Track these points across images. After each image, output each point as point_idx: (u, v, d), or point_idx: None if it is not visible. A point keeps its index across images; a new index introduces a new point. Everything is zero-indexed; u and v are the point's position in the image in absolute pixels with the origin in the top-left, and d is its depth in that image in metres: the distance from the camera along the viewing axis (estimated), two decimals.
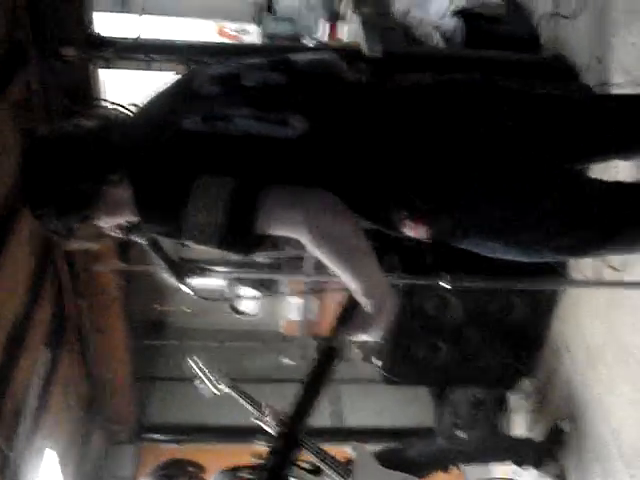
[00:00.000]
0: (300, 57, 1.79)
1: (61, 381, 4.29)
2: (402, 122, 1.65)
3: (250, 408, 3.50)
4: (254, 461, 3.40)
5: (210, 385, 3.61)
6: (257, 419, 3.47)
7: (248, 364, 5.75)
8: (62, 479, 4.39)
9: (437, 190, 1.61)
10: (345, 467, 3.37)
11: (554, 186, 1.67)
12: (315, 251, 1.48)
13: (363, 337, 1.57)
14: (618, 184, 1.83)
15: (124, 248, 4.66)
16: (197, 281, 2.43)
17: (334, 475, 3.31)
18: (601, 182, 1.77)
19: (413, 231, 1.64)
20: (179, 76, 1.85)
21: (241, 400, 3.54)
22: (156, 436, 5.79)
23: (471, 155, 1.62)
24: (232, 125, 1.59)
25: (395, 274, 2.91)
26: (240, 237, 1.51)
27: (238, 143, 1.59)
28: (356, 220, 1.56)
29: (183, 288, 2.26)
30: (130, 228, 1.81)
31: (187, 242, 1.57)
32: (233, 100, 1.66)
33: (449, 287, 2.45)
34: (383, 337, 1.61)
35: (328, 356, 1.56)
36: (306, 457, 3.34)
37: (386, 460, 3.54)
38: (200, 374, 3.62)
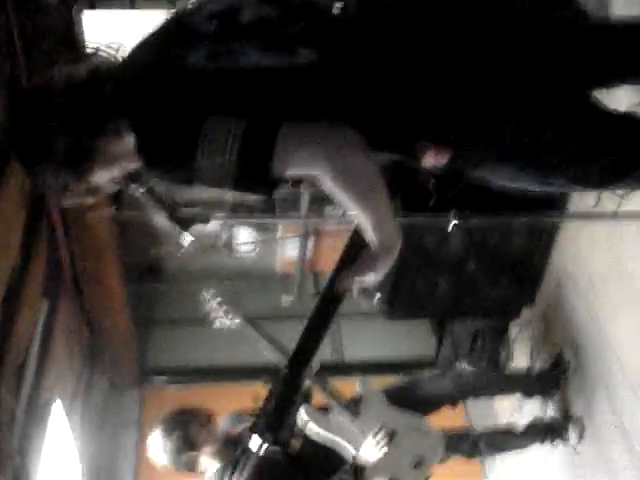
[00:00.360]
0: None
1: (62, 331, 4.27)
2: (414, 49, 1.57)
3: (265, 342, 3.49)
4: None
5: (224, 317, 3.58)
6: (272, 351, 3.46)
7: (246, 303, 5.72)
8: (69, 428, 4.43)
9: (459, 116, 1.57)
10: (353, 405, 3.39)
11: (575, 112, 1.64)
12: (334, 187, 1.45)
13: (366, 278, 1.55)
14: (630, 116, 1.78)
15: (116, 194, 4.60)
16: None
17: (344, 413, 3.32)
18: (615, 112, 1.72)
19: (434, 158, 1.60)
20: (165, 16, 1.75)
21: (256, 333, 3.53)
22: (159, 379, 5.81)
23: (492, 78, 1.57)
24: (240, 59, 1.52)
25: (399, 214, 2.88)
26: (256, 178, 1.46)
27: (248, 77, 1.52)
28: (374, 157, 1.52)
29: (186, 236, 2.21)
30: (127, 180, 1.75)
31: (199, 185, 1.51)
32: (235, 36, 1.58)
33: (456, 223, 2.41)
34: (383, 276, 1.59)
35: (331, 298, 1.56)
36: (317, 397, 3.34)
37: (395, 398, 3.55)
38: (213, 306, 3.59)
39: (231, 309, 3.60)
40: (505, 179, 1.72)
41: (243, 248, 5.41)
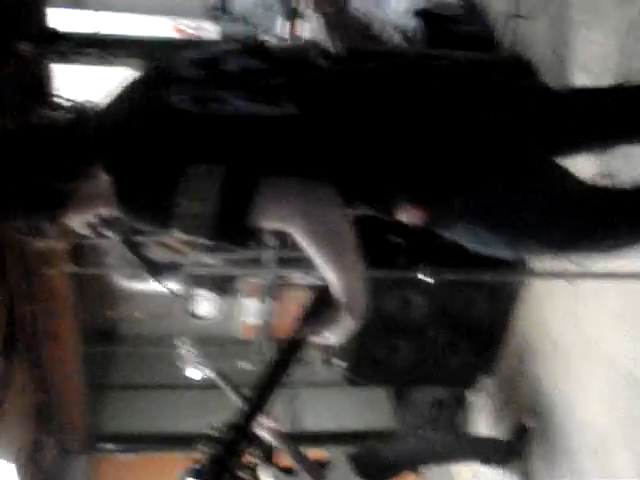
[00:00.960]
0: (275, 45, 1.75)
1: (14, 389, 4.15)
2: (393, 106, 1.61)
3: (232, 396, 3.45)
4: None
5: (194, 367, 3.55)
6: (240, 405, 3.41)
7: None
8: None
9: (434, 177, 1.59)
10: (319, 469, 3.35)
11: (550, 177, 1.67)
12: (307, 245, 1.44)
13: (327, 337, 1.54)
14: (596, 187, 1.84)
15: (76, 252, 4.56)
16: (150, 286, 2.36)
17: (306, 477, 3.27)
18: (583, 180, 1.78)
19: (409, 216, 1.61)
20: (136, 72, 1.76)
21: (224, 387, 3.49)
22: (109, 446, 5.65)
23: (464, 144, 1.60)
24: (225, 106, 1.53)
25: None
26: (233, 229, 1.45)
27: (231, 124, 1.52)
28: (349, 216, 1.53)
29: (160, 285, 2.18)
30: (101, 225, 1.73)
31: (175, 233, 1.49)
32: (219, 83, 1.59)
33: (429, 280, 2.43)
34: (345, 339, 1.58)
35: (288, 350, 1.53)
36: (282, 459, 3.30)
37: (357, 464, 3.52)
38: (185, 355, 3.55)
39: (202, 358, 3.56)
40: (476, 243, 1.74)
41: (204, 313, 5.35)
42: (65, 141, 1.53)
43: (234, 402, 3.47)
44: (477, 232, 1.69)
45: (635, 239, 1.77)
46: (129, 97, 1.64)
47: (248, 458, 3.35)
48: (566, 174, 1.74)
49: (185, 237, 1.52)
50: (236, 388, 3.49)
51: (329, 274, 1.47)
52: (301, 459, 3.31)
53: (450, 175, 1.60)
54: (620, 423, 3.31)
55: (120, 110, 1.62)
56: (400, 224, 1.70)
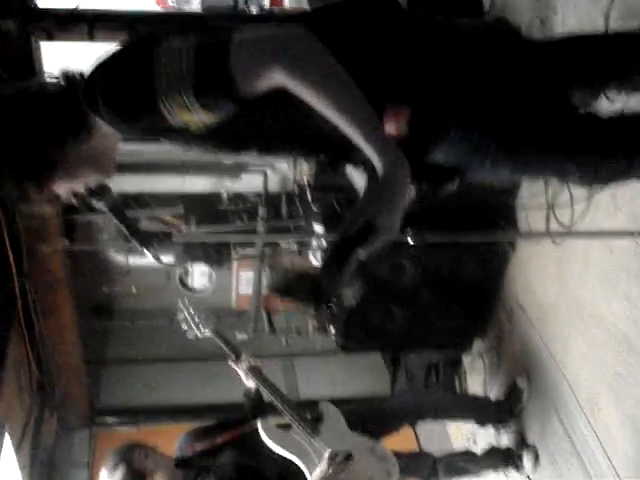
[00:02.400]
0: None
1: (12, 365, 4.19)
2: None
3: (230, 355, 3.51)
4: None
5: (195, 328, 3.63)
6: (233, 362, 3.47)
7: (201, 342, 5.70)
8: (17, 465, 4.31)
9: (423, 81, 1.61)
10: (313, 424, 3.40)
11: (546, 108, 1.71)
12: (301, 87, 1.34)
13: (380, 210, 1.34)
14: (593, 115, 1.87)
15: (71, 228, 4.59)
16: (146, 261, 2.36)
17: (302, 432, 3.33)
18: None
19: (395, 121, 1.57)
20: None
21: (222, 345, 3.55)
22: (110, 419, 5.72)
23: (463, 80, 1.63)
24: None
25: None
26: (216, 78, 1.38)
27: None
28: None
29: (147, 255, 2.20)
30: (91, 194, 1.75)
31: (165, 106, 1.41)
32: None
33: (413, 243, 2.45)
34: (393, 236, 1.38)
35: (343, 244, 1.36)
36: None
37: (354, 418, 3.57)
38: (187, 317, 3.64)
39: (203, 321, 3.64)
40: (473, 157, 1.73)
41: (198, 285, 5.40)
42: (55, 106, 1.53)
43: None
44: (470, 139, 1.68)
45: (631, 167, 1.80)
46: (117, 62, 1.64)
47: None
48: (565, 107, 1.78)
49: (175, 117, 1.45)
50: (236, 348, 3.55)
51: (338, 114, 1.35)
52: (295, 414, 3.37)
53: (441, 74, 1.62)
54: (609, 381, 3.36)
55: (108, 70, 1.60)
56: None
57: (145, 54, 1.42)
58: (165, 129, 1.49)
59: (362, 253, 1.35)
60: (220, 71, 1.37)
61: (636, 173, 1.84)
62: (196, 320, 3.66)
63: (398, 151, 1.34)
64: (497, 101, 1.66)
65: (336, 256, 1.33)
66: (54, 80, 1.64)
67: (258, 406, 3.50)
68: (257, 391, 3.49)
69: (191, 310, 3.68)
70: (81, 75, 1.60)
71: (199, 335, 3.68)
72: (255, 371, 3.46)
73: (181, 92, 1.39)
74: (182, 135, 1.56)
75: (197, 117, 1.44)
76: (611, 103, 2.15)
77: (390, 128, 1.56)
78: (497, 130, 1.68)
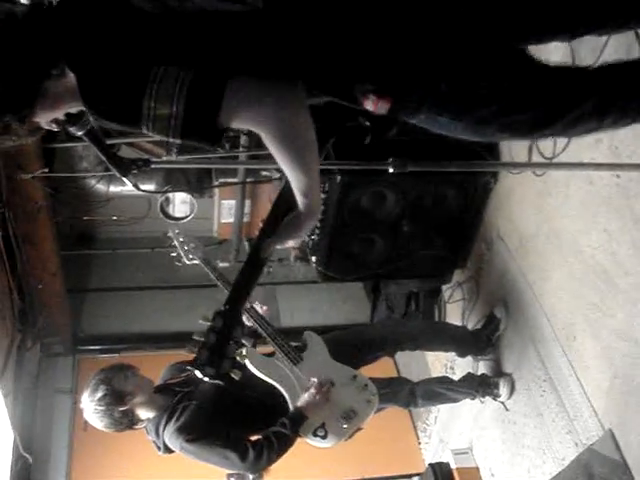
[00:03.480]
0: None
1: None
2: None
3: (218, 283, 3.54)
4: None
5: (184, 255, 3.69)
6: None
7: (181, 269, 5.72)
8: (0, 392, 4.35)
9: (397, 63, 1.61)
10: (296, 352, 3.46)
11: (509, 64, 1.70)
12: (275, 144, 1.49)
13: (288, 243, 1.61)
14: (562, 67, 1.86)
15: (49, 157, 4.53)
16: (127, 189, 2.34)
17: (284, 359, 3.39)
18: (547, 64, 1.79)
19: (374, 105, 1.64)
20: None
21: (210, 274, 3.59)
22: (93, 347, 5.76)
23: (426, 28, 1.61)
24: (186, 3, 1.52)
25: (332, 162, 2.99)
26: (203, 129, 1.47)
27: (194, 21, 1.51)
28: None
29: (125, 182, 2.18)
30: (68, 121, 1.73)
31: (147, 133, 1.50)
32: None
33: (392, 170, 2.44)
34: (304, 239, 1.69)
35: (255, 264, 1.59)
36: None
37: (336, 346, 3.63)
38: (177, 244, 3.69)
39: (192, 249, 3.69)
40: (441, 128, 1.76)
41: (179, 213, 5.37)
42: (31, 39, 1.49)
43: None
44: (440, 120, 1.72)
45: (600, 121, 1.81)
46: None
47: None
48: (531, 61, 1.76)
49: (155, 136, 1.53)
50: (223, 277, 3.57)
51: (294, 173, 1.53)
52: (279, 341, 3.43)
53: (412, 64, 1.62)
54: (585, 312, 3.42)
55: (82, 9, 1.58)
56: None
57: (139, 67, 1.44)
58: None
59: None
60: (209, 123, 1.46)
61: (607, 128, 1.85)
62: (185, 248, 3.68)
63: (320, 199, 1.62)
64: (467, 75, 1.66)
65: (211, 355, 1.45)
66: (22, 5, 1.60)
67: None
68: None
69: (181, 238, 3.69)
70: (50, 5, 1.56)
71: (187, 263, 3.70)
72: None
73: (167, 136, 1.47)
74: None
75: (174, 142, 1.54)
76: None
77: (369, 106, 1.65)
78: (466, 112, 1.70)
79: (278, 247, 1.62)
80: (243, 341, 1.51)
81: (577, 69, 1.90)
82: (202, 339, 1.46)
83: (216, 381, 1.45)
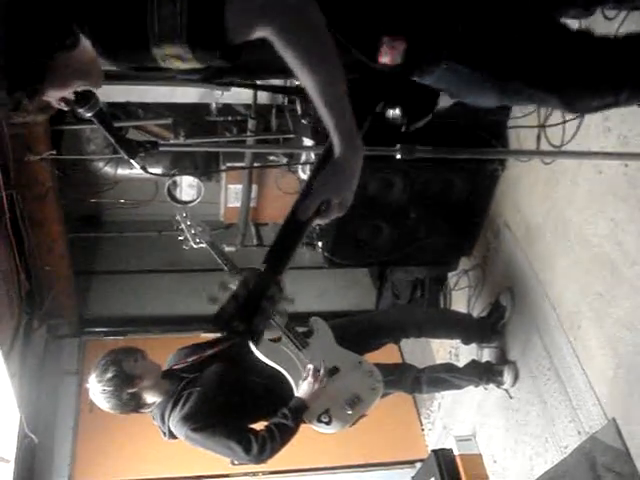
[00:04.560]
0: None
1: (1, 276, 4.21)
2: None
3: (224, 267, 3.54)
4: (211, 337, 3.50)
5: (191, 239, 3.70)
6: (230, 274, 3.51)
7: (188, 253, 5.73)
8: (7, 375, 4.37)
9: (418, 8, 1.60)
10: (302, 337, 3.47)
11: (532, 18, 1.70)
12: (284, 43, 1.40)
13: (331, 206, 1.52)
14: (584, 33, 1.84)
15: (56, 140, 4.53)
16: (135, 172, 2.34)
17: (290, 344, 3.40)
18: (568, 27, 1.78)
19: (390, 51, 1.60)
20: None
21: (217, 258, 3.59)
22: (99, 329, 5.78)
23: None
24: None
25: None
26: (210, 24, 1.40)
27: None
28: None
29: (133, 164, 2.18)
30: (77, 101, 1.73)
31: (156, 48, 1.44)
32: None
33: (400, 157, 2.44)
34: (345, 208, 1.56)
35: (295, 228, 1.51)
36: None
37: (342, 332, 3.64)
38: (184, 227, 3.70)
39: (199, 232, 3.69)
40: (463, 85, 1.73)
41: (185, 197, 5.38)
42: (39, 11, 1.46)
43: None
44: (460, 70, 1.69)
45: (617, 95, 1.79)
46: None
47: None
48: (552, 18, 1.75)
49: (170, 56, 1.46)
50: (230, 261, 3.58)
51: (314, 73, 1.42)
52: (286, 326, 3.44)
53: (431, 3, 1.61)
54: (591, 301, 3.42)
55: None
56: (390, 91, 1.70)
57: None
58: (153, 67, 1.51)
59: (320, 222, 1.51)
60: (214, 23, 1.38)
61: (623, 104, 1.84)
62: (192, 231, 3.69)
63: (358, 139, 1.45)
64: (487, 29, 1.64)
65: (243, 311, 1.30)
66: None
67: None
68: None
69: (188, 221, 3.70)
70: None
71: (195, 246, 3.71)
72: None
73: (175, 44, 1.40)
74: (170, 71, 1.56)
75: (189, 64, 1.45)
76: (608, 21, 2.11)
77: (385, 58, 1.60)
78: (486, 62, 1.68)
79: (321, 221, 1.51)
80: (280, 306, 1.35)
81: (597, 37, 1.85)
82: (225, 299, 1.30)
83: (243, 339, 1.34)
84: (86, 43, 1.53)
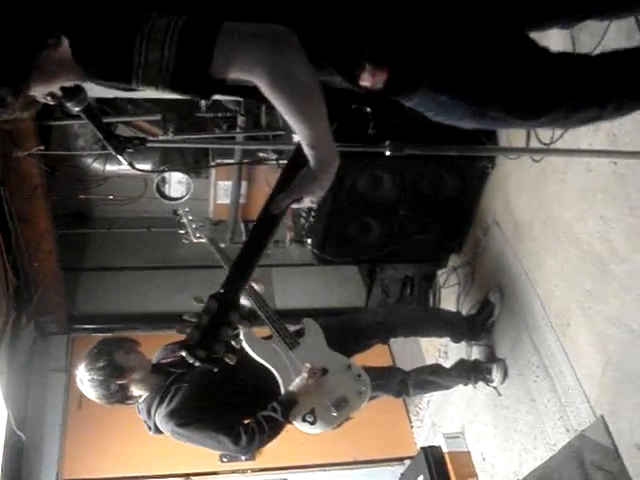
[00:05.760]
0: None
1: None
2: None
3: (223, 263, 3.58)
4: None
5: (191, 233, 3.77)
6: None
7: (177, 250, 5.72)
8: None
9: (398, 31, 1.59)
10: (293, 337, 3.46)
11: (511, 44, 1.69)
12: (273, 91, 1.42)
13: (303, 198, 1.56)
14: (565, 55, 1.85)
15: (44, 135, 4.50)
16: (124, 168, 2.33)
17: (280, 343, 3.40)
18: (550, 51, 1.78)
19: (371, 78, 1.61)
20: None
21: (216, 253, 3.61)
22: (87, 326, 5.76)
23: (433, 4, 1.61)
24: None
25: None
26: (195, 75, 1.41)
27: None
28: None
29: (121, 160, 2.17)
30: (65, 96, 1.71)
31: (137, 86, 1.46)
32: None
33: (389, 154, 2.43)
34: (321, 198, 1.59)
35: (267, 221, 1.54)
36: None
37: (330, 333, 3.63)
38: (186, 222, 3.77)
39: (200, 228, 3.79)
40: (440, 111, 1.75)
41: (175, 194, 5.36)
42: (27, 11, 1.47)
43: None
44: (439, 98, 1.70)
45: (601, 109, 1.80)
46: None
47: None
48: (532, 44, 1.75)
49: (150, 90, 1.47)
50: (227, 257, 3.59)
51: (296, 123, 1.47)
52: (277, 325, 3.43)
53: (412, 36, 1.61)
54: (580, 299, 3.42)
55: None
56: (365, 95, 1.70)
57: (129, 16, 1.40)
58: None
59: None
60: (200, 73, 1.40)
61: (608, 118, 1.84)
62: (193, 226, 3.70)
63: (334, 148, 1.53)
64: (468, 59, 1.64)
65: (202, 337, 1.37)
66: None
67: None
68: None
69: (190, 217, 3.71)
70: None
71: (195, 241, 3.73)
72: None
73: (157, 85, 1.42)
74: None
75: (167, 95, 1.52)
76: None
77: (366, 82, 1.62)
78: (465, 90, 1.68)
79: (293, 206, 1.57)
80: (239, 326, 1.43)
81: (578, 56, 1.89)
82: (194, 320, 1.38)
83: (207, 365, 1.38)
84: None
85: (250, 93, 1.51)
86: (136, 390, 3.23)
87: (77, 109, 1.82)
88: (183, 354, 1.37)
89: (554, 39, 2.88)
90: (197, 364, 1.37)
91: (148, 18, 1.39)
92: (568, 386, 3.51)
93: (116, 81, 1.49)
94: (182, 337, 1.39)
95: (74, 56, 1.47)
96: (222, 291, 1.44)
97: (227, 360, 1.40)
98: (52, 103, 1.71)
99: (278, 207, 1.54)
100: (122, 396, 3.21)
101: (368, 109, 2.10)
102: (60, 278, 5.34)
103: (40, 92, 1.62)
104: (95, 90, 1.68)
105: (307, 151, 1.51)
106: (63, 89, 1.67)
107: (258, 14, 1.50)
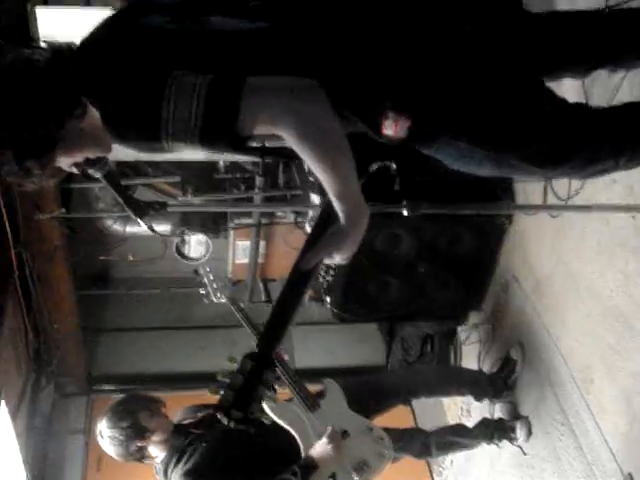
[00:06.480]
0: None
1: (9, 334, 4.20)
2: (374, 18, 1.63)
3: (244, 323, 3.57)
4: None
5: (212, 293, 3.72)
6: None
7: (197, 310, 5.74)
8: (13, 433, 4.34)
9: (419, 82, 1.62)
10: (314, 399, 3.43)
11: (534, 93, 1.72)
12: (299, 144, 1.42)
13: (333, 255, 1.53)
14: (581, 105, 1.87)
15: (65, 197, 4.57)
16: (143, 229, 2.35)
17: (301, 405, 3.36)
18: (567, 101, 1.80)
19: (394, 126, 1.62)
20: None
21: (236, 314, 3.61)
22: (107, 387, 5.75)
23: (453, 54, 1.64)
24: (204, 23, 1.55)
25: None
26: (223, 131, 1.43)
27: (210, 37, 1.53)
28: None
29: (141, 224, 2.19)
30: (87, 162, 1.74)
31: (166, 143, 1.47)
32: (199, 6, 1.61)
33: (407, 214, 2.45)
34: (352, 253, 1.56)
35: (298, 278, 1.52)
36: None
37: (351, 395, 3.59)
38: (207, 282, 3.72)
39: (221, 288, 3.73)
40: (459, 158, 1.76)
41: (194, 254, 5.40)
42: (54, 83, 1.49)
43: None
44: (458, 145, 1.71)
45: (616, 160, 1.81)
46: (109, 30, 1.63)
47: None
48: (549, 93, 1.77)
49: (178, 147, 1.49)
50: (248, 317, 3.58)
51: (323, 175, 1.45)
52: (298, 387, 3.40)
53: (435, 84, 1.63)
54: (603, 355, 3.38)
55: (100, 42, 1.60)
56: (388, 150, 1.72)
57: (156, 75, 1.43)
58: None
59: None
60: (227, 128, 1.41)
61: (623, 168, 1.86)
62: (214, 286, 3.70)
63: (363, 204, 1.49)
64: (487, 108, 1.67)
65: (237, 397, 1.38)
66: (42, 50, 1.60)
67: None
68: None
69: (211, 276, 3.72)
70: (70, 49, 1.58)
71: (215, 301, 3.73)
72: None
73: (186, 141, 1.44)
74: None
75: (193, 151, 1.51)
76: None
77: (388, 130, 1.62)
78: (483, 138, 1.70)
79: (325, 261, 1.55)
80: (275, 385, 1.42)
81: (594, 107, 1.90)
82: (227, 380, 1.38)
83: (244, 426, 1.36)
84: (95, 111, 1.55)
85: (272, 152, 1.54)
86: (154, 451, 3.21)
87: (98, 174, 1.85)
88: (218, 415, 1.36)
89: (568, 94, 2.90)
90: (232, 425, 1.36)
91: (175, 77, 1.42)
92: (594, 444, 3.44)
93: (146, 140, 1.50)
94: (204, 398, 1.38)
95: (103, 118, 1.50)
96: (256, 350, 1.43)
97: (264, 420, 1.40)
98: (77, 172, 1.73)
99: (308, 264, 1.51)
100: (140, 456, 3.19)
101: (394, 166, 2.12)
102: (80, 339, 5.36)
103: (65, 163, 1.65)
104: (116, 153, 1.71)
105: (336, 205, 1.48)
106: (87, 159, 1.70)
107: (282, 68, 1.52)
